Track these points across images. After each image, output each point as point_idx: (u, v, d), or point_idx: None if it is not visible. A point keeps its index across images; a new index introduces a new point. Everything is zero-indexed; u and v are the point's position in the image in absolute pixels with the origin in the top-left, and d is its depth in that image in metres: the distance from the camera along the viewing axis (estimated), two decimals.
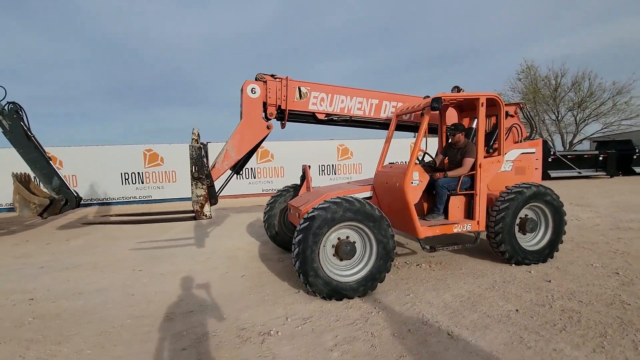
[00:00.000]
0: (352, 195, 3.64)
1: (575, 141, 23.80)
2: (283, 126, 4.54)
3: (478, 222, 4.05)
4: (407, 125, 5.07)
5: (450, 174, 4.12)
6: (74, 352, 2.66)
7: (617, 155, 16.15)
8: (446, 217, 4.11)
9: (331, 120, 4.59)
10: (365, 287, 3.42)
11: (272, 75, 4.17)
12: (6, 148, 7.92)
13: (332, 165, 14.21)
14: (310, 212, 3.38)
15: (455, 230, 3.99)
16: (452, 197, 4.08)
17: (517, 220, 4.11)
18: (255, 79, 4.08)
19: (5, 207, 10.70)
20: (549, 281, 3.69)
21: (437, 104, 3.50)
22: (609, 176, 16.07)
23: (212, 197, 4.02)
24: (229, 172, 4.63)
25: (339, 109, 4.54)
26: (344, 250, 3.43)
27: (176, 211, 5.42)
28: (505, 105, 4.55)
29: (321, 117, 4.49)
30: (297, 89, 4.27)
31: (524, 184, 4.10)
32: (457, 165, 4.20)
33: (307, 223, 3.32)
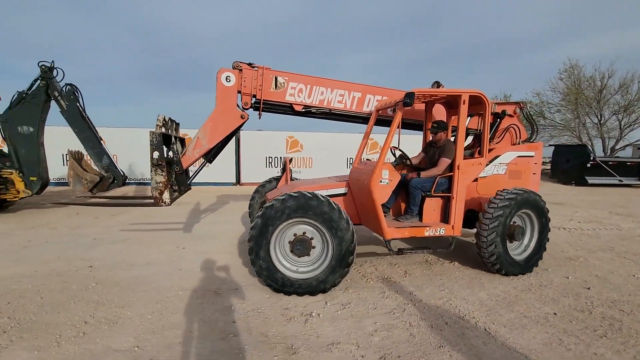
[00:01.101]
0: (318, 192, 3.54)
1: (617, 147, 22.47)
2: (260, 116, 4.45)
3: (453, 226, 3.82)
4: (389, 121, 4.47)
5: (424, 174, 3.96)
6: (136, 316, 2.95)
7: None
8: (421, 219, 3.95)
9: (309, 112, 4.43)
10: (317, 287, 3.34)
11: (249, 64, 4.08)
12: (53, 126, 8.43)
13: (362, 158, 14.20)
14: (266, 205, 3.36)
15: (426, 234, 3.77)
16: (427, 199, 3.91)
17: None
18: (232, 67, 3.99)
19: (54, 181, 11.53)
20: (588, 288, 3.65)
21: (410, 100, 3.31)
22: None
23: (183, 184, 4.09)
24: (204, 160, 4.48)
25: (318, 101, 4.36)
26: (295, 247, 3.39)
27: (138, 196, 5.65)
28: (503, 104, 4.45)
29: (298, 108, 4.34)
30: (274, 78, 4.14)
31: (516, 189, 3.85)
32: (434, 165, 4.01)
33: (261, 214, 3.31)
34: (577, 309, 3.17)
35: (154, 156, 3.74)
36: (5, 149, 7.06)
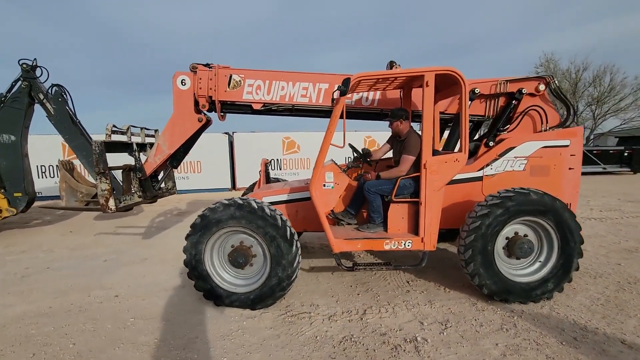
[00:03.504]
0: (279, 196, 3.31)
1: (592, 137, 23.61)
2: (221, 118, 4.10)
3: (423, 239, 3.13)
4: (362, 113, 4.17)
5: (384, 174, 3.37)
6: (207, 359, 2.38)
7: None
8: (386, 229, 3.33)
9: (270, 110, 4.04)
10: (253, 302, 3.06)
11: (206, 65, 3.82)
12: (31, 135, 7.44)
13: None
14: (202, 213, 3.08)
15: (387, 247, 3.14)
16: (392, 205, 3.26)
17: (503, 241, 3.16)
18: (189, 69, 3.76)
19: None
20: None
21: (345, 87, 2.84)
22: (632, 172, 15.90)
23: (148, 190, 4.05)
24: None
25: (279, 97, 3.95)
26: (235, 259, 3.08)
27: (89, 201, 5.67)
28: (517, 81, 3.56)
29: (257, 107, 3.96)
30: (228, 77, 3.82)
31: (511, 190, 3.03)
32: (398, 163, 3.40)
33: (195, 222, 3.07)
34: None
35: (98, 165, 3.73)
36: None
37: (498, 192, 3.08)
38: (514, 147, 3.40)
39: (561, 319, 2.80)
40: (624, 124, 22.97)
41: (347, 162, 4.02)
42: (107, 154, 3.85)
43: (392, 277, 3.78)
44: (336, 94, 3.04)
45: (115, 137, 4.18)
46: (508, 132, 3.61)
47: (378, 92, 4.07)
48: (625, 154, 15.86)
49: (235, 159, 12.69)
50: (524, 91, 3.52)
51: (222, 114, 4.08)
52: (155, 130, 4.97)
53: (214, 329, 2.80)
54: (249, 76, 3.90)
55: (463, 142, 3.07)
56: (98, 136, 4.15)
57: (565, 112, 3.65)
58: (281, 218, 3.02)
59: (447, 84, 3.29)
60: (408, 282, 3.66)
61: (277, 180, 5.37)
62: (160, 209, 8.28)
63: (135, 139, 4.53)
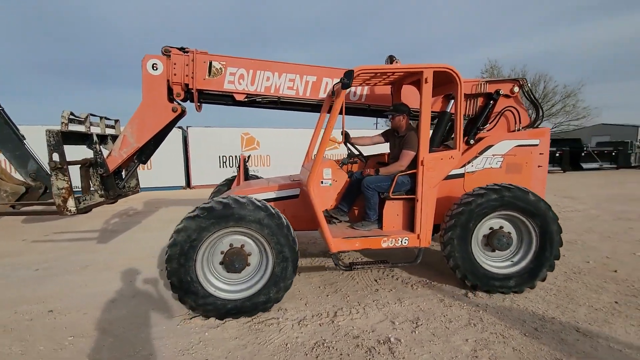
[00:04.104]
0: (265, 194, 3.19)
1: None
2: (198, 109, 3.83)
3: (419, 236, 3.15)
4: (349, 108, 4.05)
5: (383, 170, 3.34)
6: None
7: (569, 152, 17.87)
8: (381, 226, 3.32)
9: (254, 102, 3.85)
10: (257, 305, 2.86)
11: (181, 49, 3.49)
12: None
13: None
14: (177, 226, 2.77)
15: (384, 245, 3.14)
16: (387, 202, 3.26)
17: (480, 235, 3.28)
18: (161, 53, 3.43)
19: None
20: (615, 271, 3.80)
21: (349, 80, 2.76)
22: (562, 171, 17.72)
23: (112, 188, 3.62)
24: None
25: (264, 88, 3.74)
26: (230, 263, 2.82)
27: (42, 203, 4.95)
28: (495, 82, 3.75)
29: (240, 98, 3.72)
30: (208, 64, 3.54)
31: (491, 186, 3.16)
32: (396, 159, 3.39)
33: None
34: (632, 295, 3.22)
35: (53, 158, 3.16)
36: None
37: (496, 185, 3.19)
38: (492, 145, 3.52)
39: (522, 311, 2.92)
40: (555, 127, 25.55)
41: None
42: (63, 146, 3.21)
43: (359, 277, 3.73)
44: (337, 87, 2.90)
45: (72, 127, 3.51)
46: (487, 130, 3.75)
47: (366, 88, 3.97)
48: (557, 155, 17.61)
49: (189, 155, 11.98)
50: (500, 92, 3.69)
51: (200, 104, 3.76)
52: (116, 121, 4.38)
53: (171, 343, 2.52)
54: (231, 64, 3.61)
55: (458, 139, 3.14)
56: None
57: (535, 113, 3.85)
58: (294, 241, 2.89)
59: (435, 82, 3.25)
60: (376, 280, 3.63)
61: (256, 177, 5.10)
62: (112, 209, 7.51)
63: (95, 130, 3.91)
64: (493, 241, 3.21)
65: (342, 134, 3.60)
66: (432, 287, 3.43)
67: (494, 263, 3.32)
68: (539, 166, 3.61)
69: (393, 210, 3.29)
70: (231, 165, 12.63)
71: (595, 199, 8.75)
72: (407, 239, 3.17)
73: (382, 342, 2.49)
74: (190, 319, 2.85)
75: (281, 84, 3.77)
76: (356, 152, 3.82)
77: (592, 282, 3.52)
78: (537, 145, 3.59)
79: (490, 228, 3.27)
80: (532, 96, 3.82)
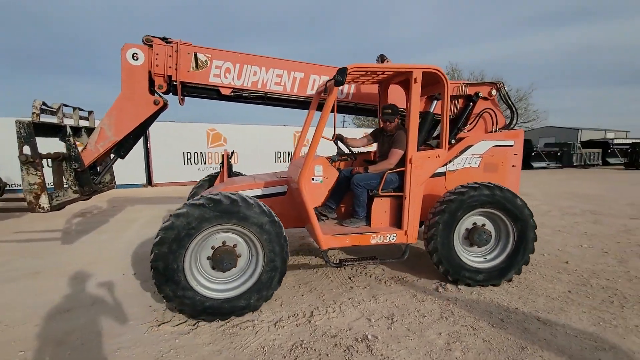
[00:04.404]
0: (251, 191, 3.21)
1: None
2: (182, 102, 3.72)
3: (406, 232, 3.26)
4: (340, 106, 4.08)
5: (372, 168, 3.42)
6: None
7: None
8: (369, 223, 3.39)
9: (241, 97, 3.78)
10: (234, 309, 2.79)
11: (163, 39, 3.38)
12: None
13: (289, 152, 13.75)
14: (177, 211, 2.67)
15: (373, 242, 3.22)
16: (376, 199, 3.34)
17: (462, 230, 3.42)
18: (142, 42, 3.31)
19: None
20: (567, 262, 4.13)
21: (342, 77, 2.79)
22: None
23: (87, 184, 3.47)
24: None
25: (251, 83, 3.70)
26: (219, 260, 2.75)
27: (11, 199, 4.73)
28: (475, 85, 3.93)
29: (226, 92, 3.66)
30: (193, 56, 3.45)
31: (472, 184, 3.32)
32: (384, 158, 3.47)
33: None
34: (579, 284, 3.50)
35: (24, 152, 2.95)
36: None
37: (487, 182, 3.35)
38: (471, 146, 3.66)
39: (488, 303, 3.08)
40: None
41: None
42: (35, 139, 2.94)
43: (334, 275, 3.73)
44: (330, 84, 2.91)
45: (44, 118, 3.23)
46: (467, 131, 3.91)
47: (354, 86, 3.98)
48: None
49: (150, 152, 11.36)
50: (480, 94, 3.85)
51: (183, 97, 3.63)
52: (90, 112, 4.07)
53: (138, 353, 2.36)
54: (216, 56, 3.53)
55: (444, 139, 3.25)
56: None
57: (510, 116, 4.02)
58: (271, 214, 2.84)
59: (426, 83, 3.30)
60: (350, 278, 3.65)
61: (240, 174, 4.97)
62: (68, 209, 6.89)
63: (68, 121, 3.60)
64: (474, 236, 3.36)
65: (334, 132, 3.63)
66: (404, 284, 3.52)
67: (469, 256, 3.48)
68: (513, 166, 3.80)
69: (381, 208, 3.37)
70: (196, 162, 12.18)
71: (545, 195, 9.48)
72: (395, 235, 3.26)
73: (359, 340, 2.51)
74: (159, 325, 2.69)
75: (268, 79, 3.74)
76: (346, 151, 3.82)
77: (548, 273, 3.79)
78: (512, 145, 3.78)
79: (474, 223, 3.43)
80: (508, 99, 4.00)
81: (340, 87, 3.87)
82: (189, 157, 12.05)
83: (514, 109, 4.01)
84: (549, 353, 2.34)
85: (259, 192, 3.46)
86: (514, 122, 4.01)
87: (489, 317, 2.83)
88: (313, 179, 3.14)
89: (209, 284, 2.84)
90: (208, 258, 2.80)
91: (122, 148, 3.67)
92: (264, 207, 2.80)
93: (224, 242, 2.81)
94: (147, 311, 2.93)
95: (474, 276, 3.35)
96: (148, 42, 3.28)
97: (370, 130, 4.78)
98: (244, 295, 2.80)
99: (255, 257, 2.89)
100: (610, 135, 37.77)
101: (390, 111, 3.45)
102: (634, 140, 21.16)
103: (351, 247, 3.29)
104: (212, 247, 2.79)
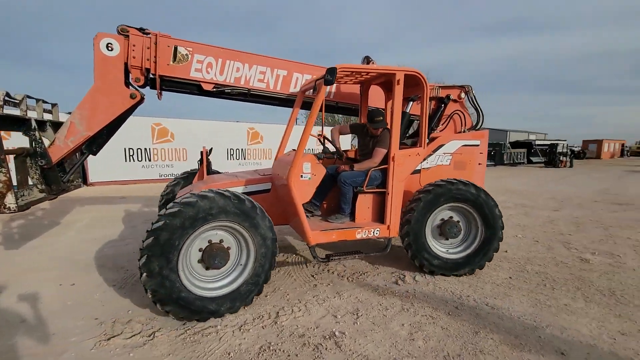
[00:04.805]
0: (230, 189, 3.23)
1: None
2: (160, 96, 3.58)
3: (389, 226, 3.43)
4: (324, 105, 4.03)
5: (357, 166, 3.55)
6: None
7: None
8: (353, 219, 3.53)
9: (223, 92, 3.71)
10: (238, 300, 2.81)
11: (140, 29, 3.25)
12: None
13: (242, 149, 13.38)
14: (167, 211, 2.59)
15: (358, 237, 3.36)
16: (360, 196, 3.49)
17: (435, 223, 3.67)
18: (117, 32, 3.16)
19: None
20: (506, 251, 4.56)
21: (331, 77, 2.87)
22: None
23: (54, 182, 3.27)
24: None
25: (234, 79, 3.66)
26: (211, 260, 2.73)
27: None
28: (447, 88, 4.17)
29: (208, 87, 3.59)
30: (173, 48, 3.34)
31: (442, 181, 3.54)
32: (368, 156, 3.62)
33: (161, 225, 2.52)
34: (518, 270, 3.90)
35: None
36: None
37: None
38: (443, 145, 3.87)
39: (443, 292, 3.29)
40: None
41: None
42: None
43: (297, 273, 3.71)
44: (319, 83, 3.00)
45: (7, 110, 2.83)
46: (439, 131, 4.17)
47: (335, 86, 4.04)
48: None
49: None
50: (450, 97, 4.14)
51: (161, 91, 3.50)
52: (53, 105, 3.75)
53: None
54: (198, 51, 3.45)
55: (423, 138, 3.49)
56: None
57: (477, 117, 4.31)
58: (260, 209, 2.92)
59: (404, 85, 3.40)
60: (313, 276, 3.66)
61: (217, 172, 4.81)
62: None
63: (32, 114, 3.30)
64: (446, 227, 3.63)
65: (321, 130, 3.72)
66: (366, 279, 3.61)
67: (437, 245, 3.74)
68: (479, 164, 4.09)
69: (365, 204, 3.53)
70: (140, 159, 11.32)
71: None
72: (378, 229, 3.43)
73: (327, 337, 2.52)
74: (108, 339, 2.45)
75: (252, 76, 3.74)
76: (332, 149, 3.83)
77: (491, 262, 4.15)
78: (478, 145, 4.06)
79: (450, 217, 3.70)
80: (475, 102, 4.30)
81: (316, 87, 3.96)
82: (131, 154, 11.14)
83: (480, 111, 4.32)
84: (498, 335, 2.57)
85: (241, 189, 3.45)
86: (480, 123, 4.33)
87: (445, 305, 3.03)
88: (302, 176, 3.16)
89: (190, 276, 2.77)
90: (200, 250, 2.78)
91: (94, 144, 3.47)
92: (271, 223, 2.90)
93: (210, 241, 2.81)
94: (93, 324, 2.65)
95: (431, 262, 3.58)
96: (123, 32, 3.12)
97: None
98: (216, 300, 2.73)
99: (242, 268, 2.91)
100: (532, 137, 42.47)
101: (381, 118, 3.58)
102: (552, 142, 24.00)
103: (331, 243, 3.37)
104: (212, 241, 2.81)
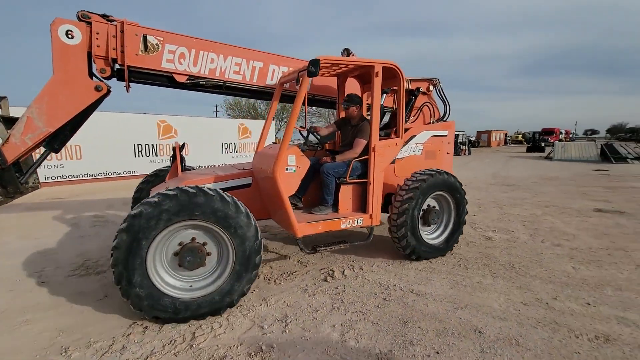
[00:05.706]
0: (211, 184, 3.17)
1: None
2: (128, 89, 3.31)
3: (371, 215, 3.54)
4: (294, 97, 4.19)
5: (339, 157, 3.61)
6: None
7: None
8: (337, 209, 3.58)
9: (198, 85, 3.55)
10: (221, 301, 2.68)
11: (104, 16, 2.98)
12: None
13: (234, 143, 14.38)
14: (132, 212, 2.44)
15: (343, 227, 3.42)
16: (342, 186, 3.54)
17: (425, 204, 3.80)
18: (78, 18, 2.88)
19: None
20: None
21: (315, 68, 2.89)
22: None
23: (11, 183, 2.99)
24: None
25: (208, 70, 3.51)
26: (185, 260, 2.59)
27: None
28: (417, 80, 4.30)
29: (181, 79, 3.41)
30: (142, 37, 3.13)
31: (430, 170, 3.73)
32: (348, 147, 3.69)
33: (126, 226, 2.40)
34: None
35: None
36: None
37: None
38: (415, 135, 4.00)
39: (372, 284, 3.28)
40: None
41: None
42: None
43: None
44: (302, 75, 3.02)
45: None
46: (411, 122, 4.20)
47: (312, 78, 3.80)
48: None
49: None
50: (420, 89, 4.28)
51: (130, 83, 3.26)
52: (2, 98, 3.28)
53: None
54: (169, 40, 3.26)
55: (400, 129, 3.61)
56: None
57: (444, 109, 4.50)
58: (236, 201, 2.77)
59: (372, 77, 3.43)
60: None
61: (192, 168, 4.54)
62: None
63: None
64: (430, 214, 3.85)
65: (305, 122, 3.67)
66: (294, 279, 3.42)
67: (423, 232, 3.87)
68: (447, 153, 4.32)
69: (347, 194, 3.59)
70: (148, 155, 11.55)
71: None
72: (361, 219, 3.51)
73: (253, 354, 2.25)
74: None
75: (227, 67, 3.64)
76: (314, 141, 3.93)
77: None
78: (446, 135, 4.29)
79: (434, 206, 3.95)
80: (443, 94, 4.49)
81: (299, 79, 3.67)
82: (139, 149, 11.51)
83: (447, 103, 4.53)
84: (425, 322, 2.61)
85: (222, 185, 3.40)
86: (447, 114, 4.56)
87: (374, 298, 3.00)
88: (287, 169, 3.09)
89: (166, 274, 2.66)
90: (179, 244, 2.64)
91: (56, 140, 3.14)
92: (253, 221, 2.76)
93: (193, 239, 2.70)
94: None
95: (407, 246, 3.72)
96: (85, 19, 2.87)
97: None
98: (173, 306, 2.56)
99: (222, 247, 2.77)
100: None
101: (347, 99, 3.73)
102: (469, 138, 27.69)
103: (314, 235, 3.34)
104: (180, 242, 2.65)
